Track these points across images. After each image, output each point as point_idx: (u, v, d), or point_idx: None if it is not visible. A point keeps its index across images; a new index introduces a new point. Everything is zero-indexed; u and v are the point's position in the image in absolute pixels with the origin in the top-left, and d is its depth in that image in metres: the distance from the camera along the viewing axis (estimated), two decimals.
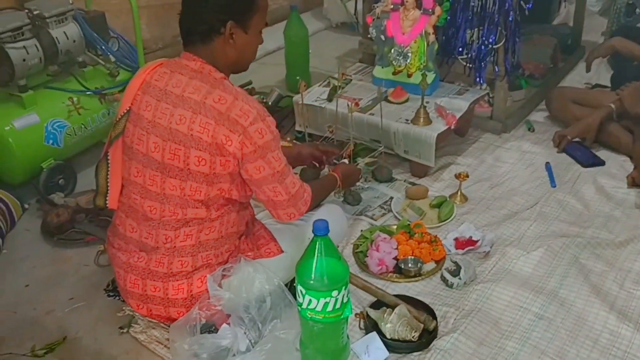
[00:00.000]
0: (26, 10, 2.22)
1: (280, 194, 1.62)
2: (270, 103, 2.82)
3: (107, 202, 1.73)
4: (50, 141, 2.26)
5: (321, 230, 1.40)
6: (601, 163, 2.43)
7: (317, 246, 1.42)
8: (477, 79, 2.61)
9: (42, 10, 2.23)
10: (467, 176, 2.25)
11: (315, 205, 1.85)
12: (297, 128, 2.62)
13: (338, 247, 1.75)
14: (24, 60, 2.16)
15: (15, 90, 2.21)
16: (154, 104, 1.57)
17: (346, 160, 2.22)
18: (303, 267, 1.44)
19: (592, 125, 2.50)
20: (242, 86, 2.77)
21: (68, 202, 2.18)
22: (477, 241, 1.99)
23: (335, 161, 2.20)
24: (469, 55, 2.58)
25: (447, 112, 2.39)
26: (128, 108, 1.62)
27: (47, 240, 2.10)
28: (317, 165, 2.20)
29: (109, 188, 1.72)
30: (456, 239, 2.02)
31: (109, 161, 1.70)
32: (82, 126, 2.36)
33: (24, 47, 2.16)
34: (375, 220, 2.16)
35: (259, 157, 1.54)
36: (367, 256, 1.92)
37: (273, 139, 1.55)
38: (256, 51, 1.68)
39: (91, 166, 2.44)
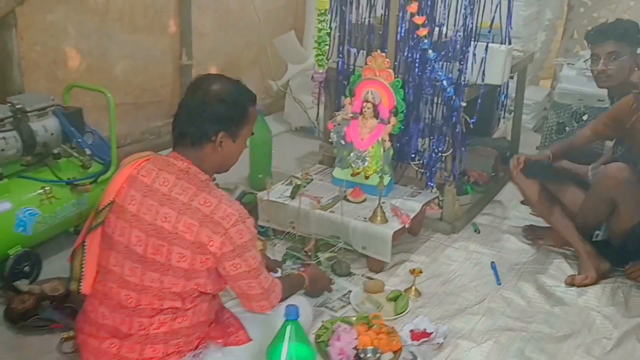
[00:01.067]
0: (9, 104, 2.34)
1: (254, 288, 1.72)
2: (234, 199, 2.95)
3: (80, 287, 1.77)
4: (20, 229, 2.30)
5: (292, 315, 1.51)
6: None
7: (288, 331, 1.52)
8: (429, 183, 2.84)
9: (24, 105, 2.35)
10: (421, 272, 2.41)
11: (284, 299, 1.95)
12: (260, 223, 2.75)
13: None
14: (3, 150, 2.25)
15: None
16: (139, 198, 1.66)
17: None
18: (274, 351, 1.53)
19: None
20: None
21: (33, 289, 2.20)
22: (431, 333, 2.11)
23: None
24: (421, 162, 2.84)
25: (402, 212, 2.59)
26: (112, 199, 1.70)
27: (10, 328, 2.09)
28: None
29: (83, 274, 1.76)
30: (412, 331, 2.13)
31: (85, 248, 1.75)
32: (52, 215, 2.42)
33: (4, 138, 2.26)
34: (336, 312, 2.27)
35: (237, 256, 1.64)
36: (329, 345, 2.01)
37: (251, 239, 1.67)
38: (239, 156, 1.81)
39: (56, 254, 2.52)
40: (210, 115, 1.68)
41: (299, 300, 2.04)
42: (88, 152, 2.55)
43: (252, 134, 1.82)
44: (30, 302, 2.13)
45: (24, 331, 2.08)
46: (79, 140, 2.54)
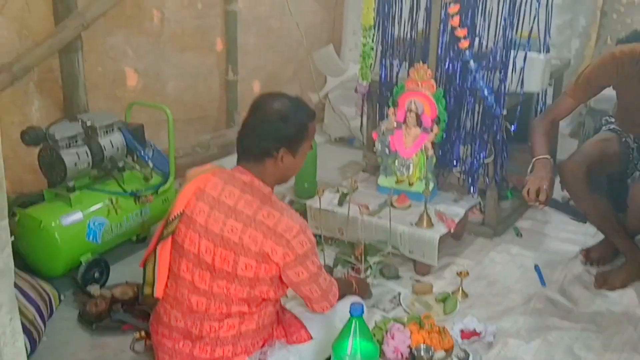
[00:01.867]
0: (80, 121, 2.52)
1: (315, 292, 1.85)
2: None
3: (154, 291, 1.90)
4: (91, 237, 2.47)
5: (358, 311, 1.63)
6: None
7: (352, 326, 1.63)
8: (470, 189, 2.94)
9: (94, 122, 2.53)
10: (468, 274, 2.50)
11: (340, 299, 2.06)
12: None
13: None
14: (75, 164, 2.43)
15: (63, 190, 2.46)
16: (207, 210, 1.78)
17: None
18: (340, 346, 1.65)
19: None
20: None
21: (104, 293, 2.36)
22: (480, 332, 2.21)
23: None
24: (463, 169, 2.94)
25: (447, 217, 2.69)
26: (181, 211, 1.83)
27: (85, 328, 2.25)
28: None
29: (156, 279, 1.89)
30: (461, 331, 2.23)
31: (157, 256, 1.88)
32: (118, 224, 2.59)
33: (77, 153, 2.44)
34: (387, 312, 2.37)
35: (299, 264, 1.76)
36: (384, 344, 2.12)
37: (311, 247, 1.79)
38: (300, 168, 1.93)
39: (122, 260, 2.69)
40: (271, 132, 1.78)
41: (355, 300, 2.16)
42: (150, 164, 2.72)
43: (312, 148, 1.93)
44: (102, 305, 2.29)
45: (98, 332, 2.23)
46: (141, 154, 2.71)
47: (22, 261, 2.46)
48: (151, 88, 3.37)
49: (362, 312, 1.64)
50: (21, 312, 2.08)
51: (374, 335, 2.18)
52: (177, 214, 1.83)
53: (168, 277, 1.89)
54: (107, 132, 2.57)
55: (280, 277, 1.81)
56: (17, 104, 2.76)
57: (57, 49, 2.73)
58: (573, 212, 3.12)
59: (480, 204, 3.02)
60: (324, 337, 1.92)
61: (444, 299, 2.43)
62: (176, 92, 3.53)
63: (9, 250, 0.92)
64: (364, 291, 2.35)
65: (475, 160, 2.89)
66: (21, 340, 0.98)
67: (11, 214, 2.45)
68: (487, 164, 2.89)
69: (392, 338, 2.11)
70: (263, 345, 1.87)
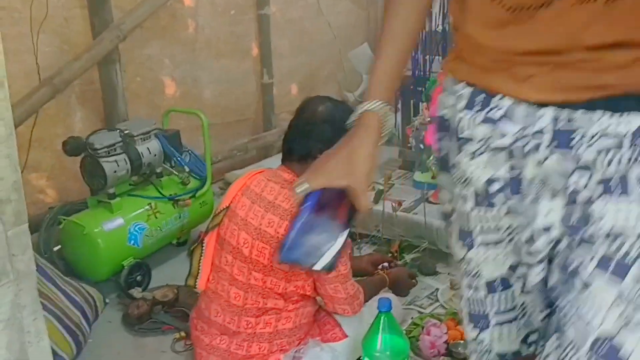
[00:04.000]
0: (118, 130, 2.61)
1: (339, 292, 1.85)
2: None
3: (197, 283, 1.95)
4: (132, 242, 2.55)
5: (385, 306, 1.62)
6: None
7: (381, 322, 1.63)
8: None
9: (131, 130, 2.61)
10: None
11: (366, 301, 2.04)
12: None
13: None
14: (115, 172, 2.51)
15: (104, 197, 2.54)
16: (248, 205, 1.83)
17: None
18: (369, 342, 1.64)
19: None
20: None
21: (146, 296, 2.43)
22: None
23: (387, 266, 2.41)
24: None
25: None
26: (228, 205, 1.90)
27: (128, 330, 2.33)
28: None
29: (200, 271, 1.95)
30: None
31: (203, 247, 1.95)
32: (158, 229, 2.66)
33: (116, 161, 2.52)
34: (425, 309, 2.35)
35: None
36: (419, 340, 2.09)
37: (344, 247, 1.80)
38: None
39: (162, 264, 2.76)
40: (314, 134, 1.82)
41: (387, 297, 2.15)
42: (187, 169, 2.78)
43: None
44: (144, 307, 2.36)
45: (140, 333, 2.30)
46: (178, 159, 2.78)
47: (69, 267, 2.56)
48: (189, 95, 3.45)
49: (390, 307, 1.63)
50: (67, 316, 2.19)
51: (411, 332, 2.17)
52: (223, 208, 1.90)
53: (211, 270, 1.94)
54: (144, 139, 2.65)
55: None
56: (61, 116, 2.87)
57: (95, 62, 2.83)
58: None
59: None
60: (358, 335, 1.91)
61: None
62: (213, 97, 3.61)
63: (30, 253, 0.96)
64: (400, 283, 2.32)
65: None
66: (46, 340, 1.02)
67: (57, 223, 2.55)
68: None
69: (428, 334, 2.09)
70: (299, 344, 1.88)
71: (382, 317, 1.63)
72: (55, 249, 2.57)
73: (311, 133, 1.83)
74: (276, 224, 1.77)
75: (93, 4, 2.82)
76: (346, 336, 1.94)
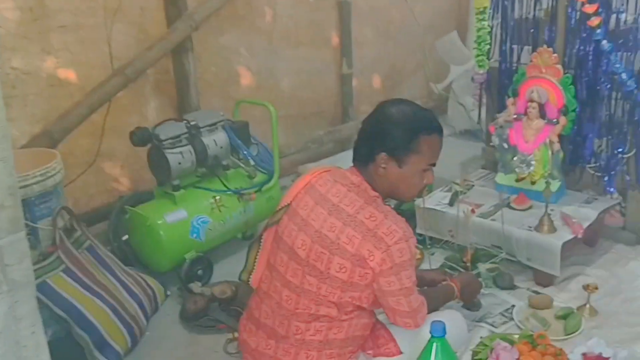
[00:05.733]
0: (185, 121, 2.58)
1: (402, 305, 1.69)
2: (392, 206, 2.93)
3: (250, 279, 1.87)
4: (195, 235, 2.52)
5: (438, 331, 1.44)
6: None
7: (433, 348, 1.45)
8: (607, 188, 2.55)
9: (197, 121, 2.57)
10: (597, 288, 2.16)
11: (431, 312, 1.88)
12: (418, 231, 2.69)
13: (456, 353, 1.75)
14: (179, 163, 2.48)
15: (169, 188, 2.52)
16: (311, 205, 1.72)
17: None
18: None
19: None
20: None
21: (204, 291, 2.38)
22: (608, 358, 1.88)
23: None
24: (598, 164, 2.56)
25: (574, 220, 2.35)
26: (289, 203, 1.78)
27: (184, 325, 2.29)
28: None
29: (255, 267, 1.86)
30: (584, 354, 1.92)
31: (261, 243, 1.86)
32: (222, 222, 2.61)
33: (181, 152, 2.49)
34: (496, 327, 2.13)
35: (393, 274, 1.62)
36: None
37: (410, 258, 1.64)
38: (416, 188, 1.76)
39: (225, 259, 2.71)
40: (377, 134, 1.69)
41: (453, 314, 1.96)
42: (252, 162, 2.70)
43: (429, 168, 1.74)
44: (201, 303, 2.31)
45: (195, 330, 2.26)
46: (244, 152, 2.71)
47: (135, 257, 2.57)
48: (265, 85, 3.38)
49: (444, 332, 1.44)
50: (124, 308, 2.18)
51: (478, 353, 1.96)
52: (284, 205, 1.81)
53: (266, 268, 1.86)
54: (210, 130, 2.60)
55: (373, 286, 1.68)
56: (136, 105, 2.89)
57: (168, 51, 2.82)
58: None
59: (620, 205, 2.61)
60: (413, 353, 1.74)
61: (565, 316, 2.12)
62: (291, 88, 3.51)
63: (28, 262, 0.90)
64: (470, 292, 2.12)
65: (612, 154, 2.50)
66: (46, 354, 0.95)
67: (125, 212, 2.57)
68: (628, 158, 2.49)
69: (497, 359, 1.88)
70: (350, 358, 1.75)
71: (434, 343, 1.45)
72: (124, 238, 2.60)
73: (374, 133, 1.70)
74: (338, 229, 1.64)
75: None
76: (400, 352, 1.78)
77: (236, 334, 2.14)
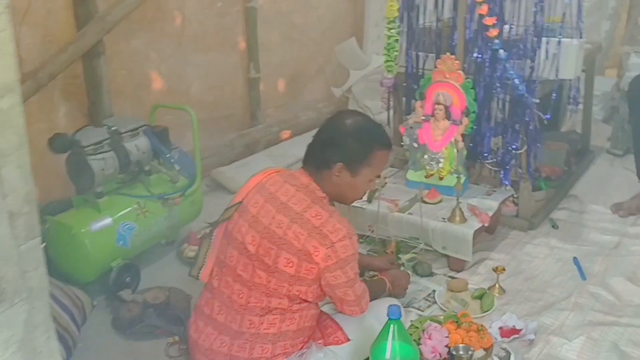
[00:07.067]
0: (105, 126, 2.51)
1: (349, 295, 1.82)
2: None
3: (200, 274, 1.91)
4: (121, 242, 2.46)
5: (395, 314, 1.58)
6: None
7: (391, 330, 1.59)
8: (503, 181, 2.86)
9: (118, 127, 2.52)
10: (504, 269, 2.43)
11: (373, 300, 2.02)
12: None
13: None
14: (103, 170, 2.42)
15: (92, 196, 2.45)
16: (261, 203, 1.80)
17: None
18: (378, 349, 1.60)
19: None
20: None
21: (136, 299, 2.35)
22: (520, 330, 2.14)
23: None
24: (495, 160, 2.86)
25: (481, 211, 2.62)
26: (240, 201, 1.85)
27: (119, 334, 2.25)
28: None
29: (205, 263, 1.91)
30: (500, 328, 2.16)
31: (212, 239, 1.91)
32: (147, 228, 2.57)
33: (103, 158, 2.42)
34: (422, 311, 2.32)
35: (338, 268, 1.74)
36: (421, 344, 2.06)
37: (353, 254, 1.77)
38: (360, 195, 1.94)
39: (151, 264, 2.67)
40: (334, 144, 1.82)
41: (392, 300, 2.12)
42: (177, 167, 2.70)
43: (379, 177, 1.94)
44: (135, 310, 2.28)
45: (132, 337, 2.22)
46: (167, 156, 2.69)
47: (54, 268, 2.45)
48: (175, 90, 3.35)
49: (400, 315, 1.59)
50: (55, 319, 2.10)
51: (411, 335, 2.13)
52: (236, 203, 1.87)
53: (215, 264, 1.90)
54: (132, 136, 2.55)
55: (319, 282, 1.78)
56: (44, 111, 2.75)
57: (79, 55, 2.72)
58: None
59: (513, 195, 2.94)
60: (360, 339, 1.89)
61: (480, 296, 2.36)
62: (200, 92, 3.51)
63: (42, 269, 0.89)
64: (398, 291, 2.30)
65: (507, 151, 2.81)
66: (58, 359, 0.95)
67: (41, 222, 2.44)
68: (520, 154, 2.81)
69: (430, 338, 2.05)
70: (302, 348, 1.84)
71: (392, 325, 1.59)
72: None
73: (330, 142, 1.84)
74: (285, 225, 1.74)
75: None
76: (348, 339, 1.91)
77: (176, 337, 2.16)
